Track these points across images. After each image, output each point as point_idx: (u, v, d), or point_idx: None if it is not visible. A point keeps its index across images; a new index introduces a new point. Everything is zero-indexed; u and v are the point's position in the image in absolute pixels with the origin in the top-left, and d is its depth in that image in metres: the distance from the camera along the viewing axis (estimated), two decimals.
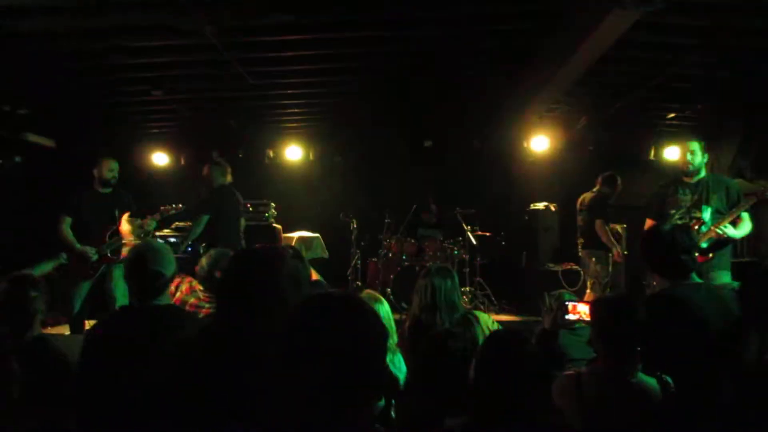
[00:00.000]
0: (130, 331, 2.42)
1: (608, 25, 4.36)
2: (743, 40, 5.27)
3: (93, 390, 2.39)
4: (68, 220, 5.49)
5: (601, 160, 8.40)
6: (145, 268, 2.59)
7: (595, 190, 6.77)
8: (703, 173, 4.69)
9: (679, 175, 4.80)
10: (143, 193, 6.95)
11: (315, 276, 4.11)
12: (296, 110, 8.09)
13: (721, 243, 4.51)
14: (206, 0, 4.60)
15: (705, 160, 4.69)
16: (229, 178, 6.44)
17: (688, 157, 4.66)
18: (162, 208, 5.76)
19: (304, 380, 1.30)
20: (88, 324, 5.93)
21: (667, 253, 2.89)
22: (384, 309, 3.20)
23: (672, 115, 7.82)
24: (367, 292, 3.35)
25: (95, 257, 5.40)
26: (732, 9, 4.66)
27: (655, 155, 8.58)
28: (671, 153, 8.16)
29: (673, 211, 4.69)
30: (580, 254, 6.79)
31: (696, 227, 4.48)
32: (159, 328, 2.38)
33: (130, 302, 2.72)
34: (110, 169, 5.68)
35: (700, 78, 6.41)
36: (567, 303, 2.98)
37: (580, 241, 6.75)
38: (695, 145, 4.67)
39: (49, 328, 6.13)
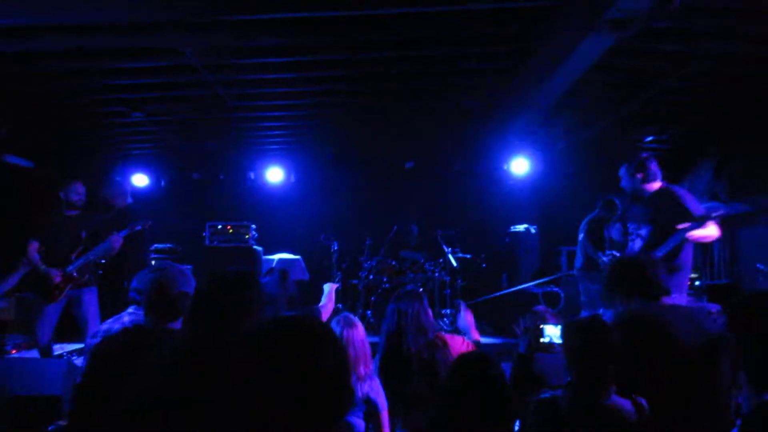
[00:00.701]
0: (144, 353, 2.37)
1: (584, 49, 4.43)
2: (716, 65, 5.38)
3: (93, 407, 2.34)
4: (36, 244, 5.43)
5: (580, 182, 8.49)
6: (170, 290, 2.59)
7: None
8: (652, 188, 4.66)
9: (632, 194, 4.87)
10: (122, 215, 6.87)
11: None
12: (277, 132, 8.09)
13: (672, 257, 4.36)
14: (188, 21, 4.61)
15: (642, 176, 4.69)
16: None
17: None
18: (129, 225, 5.69)
19: (261, 401, 1.29)
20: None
21: (642, 272, 2.89)
22: (358, 334, 3.18)
23: (650, 138, 7.93)
24: (345, 316, 3.32)
25: (60, 278, 5.34)
26: (704, 35, 4.76)
27: None
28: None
29: (630, 226, 4.76)
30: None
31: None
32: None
33: (144, 323, 2.67)
34: (77, 192, 5.63)
35: (676, 102, 6.53)
36: (542, 326, 2.98)
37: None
38: (623, 170, 4.86)
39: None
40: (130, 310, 3.25)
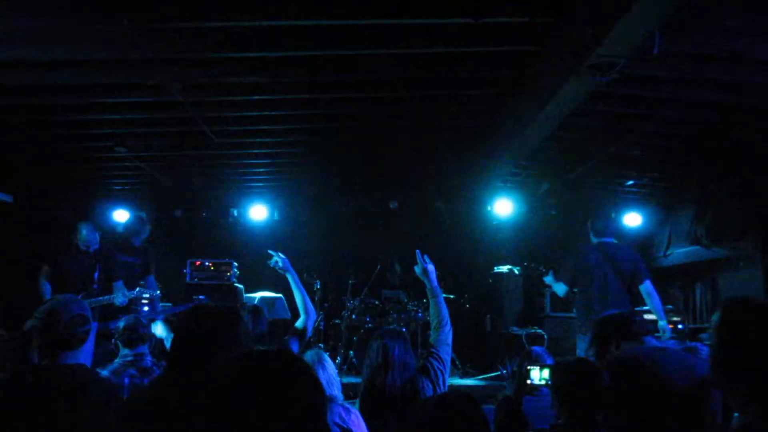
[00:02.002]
0: (37, 394, 2.26)
1: (565, 93, 4.50)
2: (694, 111, 5.49)
3: None
4: (47, 271, 5.39)
5: (563, 224, 8.54)
6: (60, 317, 2.44)
7: None
8: None
9: None
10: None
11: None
12: (261, 170, 8.09)
13: None
14: (174, 57, 4.63)
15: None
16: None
17: None
18: None
19: None
20: None
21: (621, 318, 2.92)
22: (327, 371, 3.15)
23: (630, 182, 8.04)
24: (313, 352, 3.28)
25: None
26: (682, 81, 4.87)
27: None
28: (631, 219, 8.36)
29: None
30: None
31: None
32: (68, 392, 2.23)
33: (35, 361, 2.54)
34: (81, 239, 5.73)
35: (655, 146, 6.63)
36: (530, 368, 2.94)
37: None
38: None
39: None
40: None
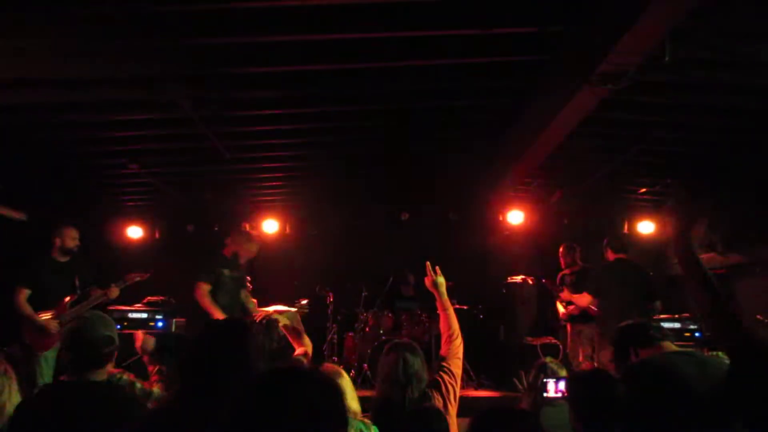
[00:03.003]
0: (63, 411, 2.26)
1: (578, 102, 4.48)
2: (708, 117, 5.45)
3: None
4: (27, 292, 5.31)
5: (576, 233, 8.47)
6: (91, 333, 2.47)
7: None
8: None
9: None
10: (115, 266, 6.82)
11: None
12: (273, 183, 8.11)
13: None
14: (186, 74, 4.67)
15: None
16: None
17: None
18: (126, 275, 5.65)
19: None
20: None
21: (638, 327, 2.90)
22: (346, 384, 3.12)
23: (644, 190, 7.98)
24: (330, 367, 3.25)
25: (57, 328, 5.22)
26: (695, 87, 4.84)
27: (629, 229, 8.69)
28: (644, 227, 8.30)
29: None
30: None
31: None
32: (95, 409, 2.23)
33: (61, 377, 2.56)
34: (73, 237, 5.58)
35: (669, 153, 6.59)
36: (546, 381, 2.91)
37: None
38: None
39: None
40: None
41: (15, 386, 2.65)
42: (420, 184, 8.14)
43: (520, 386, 3.00)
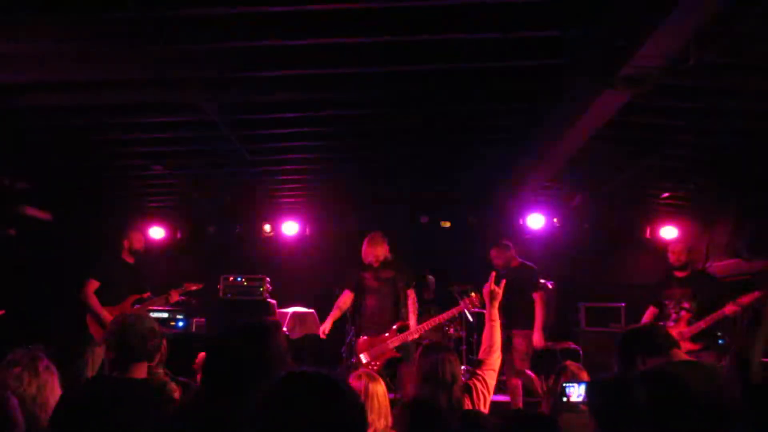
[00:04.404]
0: (100, 407, 2.30)
1: (600, 105, 4.45)
2: (733, 121, 5.37)
3: None
4: (96, 284, 5.49)
5: (597, 237, 8.40)
6: (137, 327, 2.53)
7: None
8: (690, 269, 5.64)
9: (671, 268, 5.70)
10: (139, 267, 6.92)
11: None
12: (293, 185, 8.15)
13: (709, 332, 5.25)
14: (209, 78, 4.71)
15: (690, 258, 5.71)
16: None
17: (673, 257, 5.65)
18: (186, 283, 5.82)
19: None
20: None
21: (651, 332, 2.87)
22: (381, 389, 3.10)
23: (666, 194, 7.89)
24: (366, 372, 3.24)
25: None
26: (720, 91, 4.77)
27: (651, 234, 8.59)
28: (667, 232, 8.20)
29: (667, 303, 5.51)
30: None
31: (686, 317, 5.27)
32: (136, 405, 2.27)
33: (103, 373, 2.62)
34: (139, 240, 5.95)
35: (693, 158, 6.50)
36: (566, 385, 2.89)
37: None
38: (678, 247, 5.73)
39: None
40: None
41: (57, 381, 2.72)
42: (440, 187, 8.13)
43: (540, 390, 2.95)
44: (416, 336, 5.44)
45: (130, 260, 5.84)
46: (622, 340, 3.04)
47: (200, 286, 6.03)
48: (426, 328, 5.42)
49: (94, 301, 5.41)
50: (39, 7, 3.58)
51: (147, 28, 3.83)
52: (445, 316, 5.61)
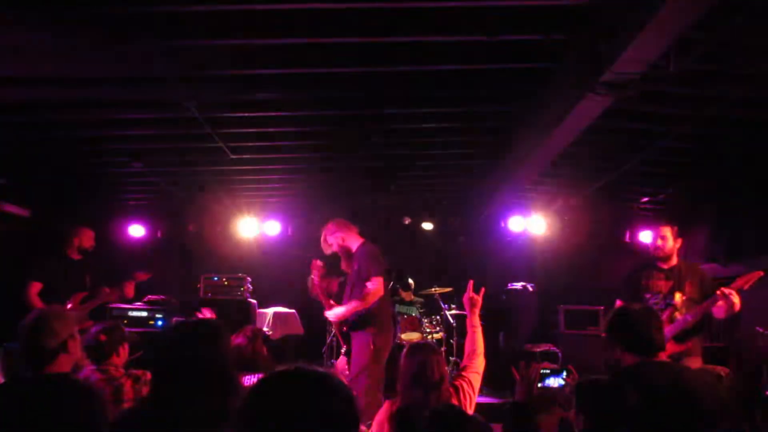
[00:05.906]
0: (20, 408, 2.15)
1: (582, 110, 4.48)
2: (711, 127, 5.45)
3: None
4: (37, 286, 5.39)
5: (577, 241, 8.47)
6: (42, 327, 2.50)
7: None
8: (675, 259, 4.74)
9: (652, 260, 4.84)
10: (117, 265, 6.84)
11: None
12: (276, 185, 8.11)
13: (695, 331, 4.48)
14: (191, 75, 4.67)
15: (677, 245, 4.74)
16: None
17: (659, 242, 4.71)
18: (135, 274, 5.73)
19: None
20: None
21: (640, 328, 2.85)
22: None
23: (646, 199, 7.98)
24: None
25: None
26: (700, 97, 4.84)
27: (630, 238, 8.68)
28: (646, 236, 8.28)
29: (648, 296, 4.69)
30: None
31: (669, 314, 4.50)
32: (54, 405, 2.19)
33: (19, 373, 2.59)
34: (90, 238, 5.79)
35: (671, 163, 6.58)
36: (543, 371, 2.89)
37: None
38: (667, 231, 4.72)
39: None
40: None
41: None
42: (422, 190, 8.15)
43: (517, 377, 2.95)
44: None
45: (77, 258, 5.72)
46: (612, 317, 3.07)
47: (150, 275, 5.94)
48: None
49: (37, 304, 5.29)
50: (14, 1, 3.53)
51: (127, 24, 3.79)
52: None
